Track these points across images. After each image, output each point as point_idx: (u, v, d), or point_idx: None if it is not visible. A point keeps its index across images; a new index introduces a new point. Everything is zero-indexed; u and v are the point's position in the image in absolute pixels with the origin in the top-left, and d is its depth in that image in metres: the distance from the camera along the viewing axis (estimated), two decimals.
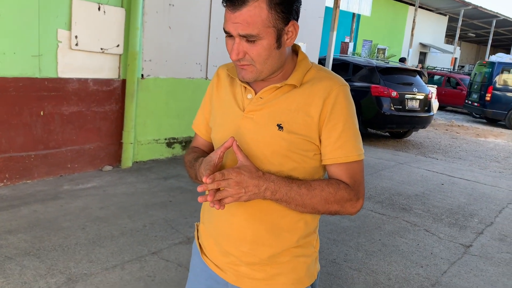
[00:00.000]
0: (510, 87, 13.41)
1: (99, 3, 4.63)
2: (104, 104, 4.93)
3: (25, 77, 4.18)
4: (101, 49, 4.74)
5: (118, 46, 4.89)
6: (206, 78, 6.07)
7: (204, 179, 1.06)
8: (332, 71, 1.27)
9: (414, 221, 4.43)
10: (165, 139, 5.67)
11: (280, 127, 1.18)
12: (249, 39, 1.10)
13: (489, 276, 3.42)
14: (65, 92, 4.53)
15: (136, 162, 5.34)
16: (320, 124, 1.18)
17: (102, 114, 4.93)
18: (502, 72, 13.45)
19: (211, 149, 1.41)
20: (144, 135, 5.39)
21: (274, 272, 1.25)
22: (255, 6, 1.07)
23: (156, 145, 5.56)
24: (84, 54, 4.63)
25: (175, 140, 5.81)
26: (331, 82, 1.20)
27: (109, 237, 3.36)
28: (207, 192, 1.12)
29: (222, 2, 1.11)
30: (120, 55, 4.97)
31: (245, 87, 1.25)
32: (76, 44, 4.51)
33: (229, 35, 1.14)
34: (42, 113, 4.37)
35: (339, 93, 1.19)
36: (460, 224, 4.49)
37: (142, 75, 5.22)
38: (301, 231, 1.26)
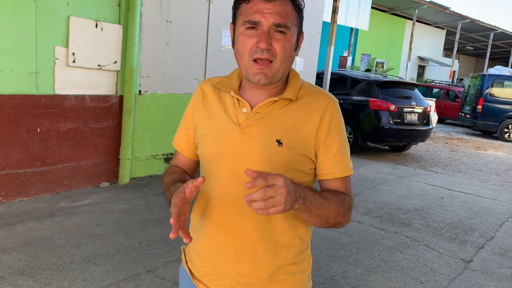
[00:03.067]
0: (501, 99, 13.44)
1: (96, 20, 4.65)
2: (102, 120, 4.93)
3: (22, 94, 4.19)
4: (99, 65, 4.76)
5: (115, 62, 4.90)
6: None
7: (171, 221, 1.01)
8: (321, 88, 1.29)
9: (413, 236, 4.39)
10: (163, 154, 5.66)
11: (279, 142, 1.17)
12: (281, 29, 1.12)
13: None
14: (62, 109, 4.53)
15: (134, 178, 5.32)
16: (318, 140, 1.19)
17: (100, 131, 4.92)
18: (492, 85, 13.49)
19: (191, 166, 1.39)
20: (142, 151, 5.37)
21: None
22: (287, 3, 1.14)
23: (153, 160, 5.54)
24: (81, 71, 4.65)
25: (173, 156, 5.79)
26: (326, 99, 1.23)
27: (104, 255, 3.32)
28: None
29: None
30: (117, 71, 4.99)
31: (239, 100, 1.23)
32: (73, 61, 4.52)
33: (251, 28, 1.14)
34: (39, 130, 4.36)
35: (334, 109, 1.22)
36: (460, 238, 4.44)
37: (140, 91, 5.23)
38: (296, 247, 1.25)
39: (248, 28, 1.14)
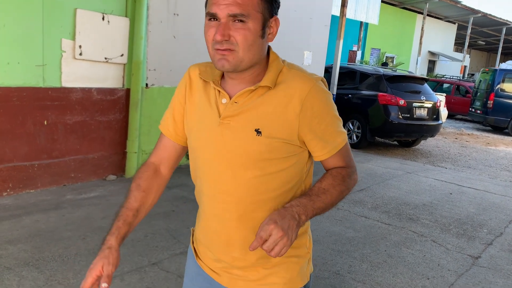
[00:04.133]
0: None
1: (103, 13, 4.65)
2: (108, 113, 4.93)
3: (29, 86, 4.20)
4: (105, 58, 4.75)
5: (122, 55, 4.90)
6: None
7: None
8: (302, 68, 1.25)
9: (421, 231, 4.35)
10: None
11: (258, 132, 1.16)
12: (238, 18, 1.10)
13: None
14: (68, 102, 4.54)
15: None
16: (301, 124, 1.17)
17: (106, 124, 4.93)
18: (504, 80, 13.28)
19: (173, 153, 1.38)
20: (149, 144, 5.37)
21: (266, 272, 1.26)
22: None
23: None
24: (88, 64, 4.64)
25: (157, 142, 5.78)
26: (305, 80, 1.19)
27: None
28: None
29: None
30: (124, 64, 4.98)
31: (219, 91, 1.22)
32: (80, 54, 4.52)
33: (212, 19, 1.13)
34: (45, 123, 4.38)
35: (315, 90, 1.18)
36: (469, 234, 4.39)
37: (147, 84, 5.22)
38: None
39: (209, 19, 1.14)
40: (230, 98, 1.20)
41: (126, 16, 4.89)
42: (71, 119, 4.59)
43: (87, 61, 4.63)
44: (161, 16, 5.27)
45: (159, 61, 5.34)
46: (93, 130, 4.81)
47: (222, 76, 1.26)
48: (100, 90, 4.80)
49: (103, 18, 4.66)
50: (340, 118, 1.26)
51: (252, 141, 1.16)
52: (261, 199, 1.20)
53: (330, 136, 1.21)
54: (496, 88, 13.22)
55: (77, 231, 3.56)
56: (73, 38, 4.45)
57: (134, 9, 4.87)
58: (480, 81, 14.14)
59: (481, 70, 15.23)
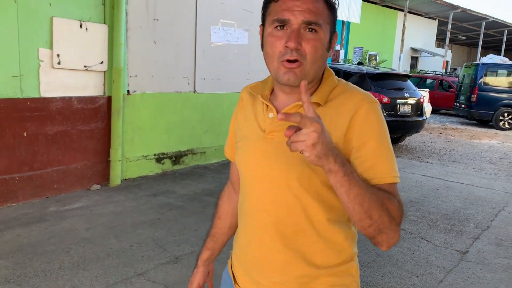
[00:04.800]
0: (495, 88, 13.41)
1: (80, 20, 4.57)
2: (90, 122, 4.85)
3: (6, 98, 4.11)
4: (85, 66, 4.68)
5: (102, 63, 4.82)
6: (195, 91, 6.01)
7: None
8: (359, 88, 1.16)
9: (409, 228, 4.35)
10: (154, 154, 5.59)
11: None
12: (311, 27, 1.05)
13: (486, 283, 3.33)
14: (48, 112, 4.45)
15: (125, 179, 5.25)
16: (347, 145, 1.07)
17: (88, 132, 4.85)
18: (486, 73, 13.46)
19: None
20: (132, 151, 5.30)
21: None
22: (318, 0, 1.07)
23: (145, 161, 5.47)
24: (67, 72, 4.57)
25: (165, 155, 5.73)
26: (358, 99, 1.10)
27: (94, 260, 3.26)
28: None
29: None
30: (104, 71, 4.91)
31: (267, 106, 1.17)
32: (59, 63, 4.44)
33: (279, 27, 1.07)
34: (25, 134, 4.29)
35: (368, 110, 1.08)
36: (456, 229, 4.40)
37: (128, 91, 5.16)
38: (333, 259, 1.16)
39: (276, 27, 1.07)
40: (278, 112, 1.13)
41: (104, 23, 4.82)
42: (51, 129, 4.51)
43: (66, 70, 4.55)
44: (141, 21, 5.21)
45: (140, 67, 5.28)
46: (75, 139, 4.73)
47: (272, 91, 1.22)
48: (80, 99, 4.72)
49: (80, 26, 4.59)
50: (394, 154, 1.11)
51: (295, 158, 1.08)
52: (302, 222, 1.12)
53: (377, 163, 1.06)
54: (479, 82, 13.38)
55: (60, 244, 3.48)
56: (51, 47, 4.37)
57: (113, 15, 4.81)
58: (464, 75, 14.29)
59: (464, 64, 15.40)
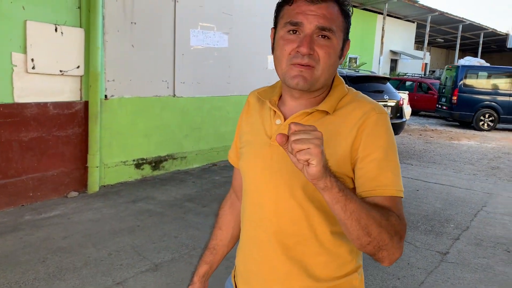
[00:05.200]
0: (475, 89, 13.66)
1: (55, 24, 4.47)
2: (66, 127, 4.74)
3: None
4: (60, 71, 4.58)
5: (78, 67, 4.73)
6: (174, 95, 5.94)
7: None
8: (369, 98, 1.13)
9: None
10: (133, 160, 5.50)
11: None
12: (325, 33, 1.03)
13: (466, 283, 3.35)
14: (23, 118, 4.34)
15: (104, 186, 5.15)
16: (354, 154, 1.05)
17: (65, 138, 4.74)
18: (466, 76, 13.70)
19: None
20: (111, 157, 5.21)
21: None
22: (333, 6, 1.05)
23: (124, 167, 5.38)
24: (42, 77, 4.46)
25: (144, 161, 5.65)
26: (367, 109, 1.07)
27: (71, 269, 3.18)
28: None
29: None
30: (81, 76, 4.81)
31: (275, 112, 1.15)
32: (33, 67, 4.33)
33: (292, 31, 1.05)
34: None
35: (376, 120, 1.06)
36: (436, 230, 4.44)
37: (106, 95, 5.07)
38: (335, 272, 1.13)
39: (289, 31, 1.05)
40: (285, 119, 1.13)
41: (80, 27, 4.73)
42: (26, 135, 4.39)
43: (41, 75, 4.45)
44: (118, 25, 5.13)
45: (118, 71, 5.19)
46: (51, 146, 4.62)
47: (280, 96, 1.19)
48: (56, 104, 4.62)
49: (56, 30, 4.49)
50: (399, 168, 1.07)
51: None
52: (305, 233, 1.09)
53: (381, 175, 1.03)
54: (460, 84, 13.60)
55: (36, 254, 3.38)
56: (25, 52, 4.26)
57: (89, 19, 4.72)
58: (447, 78, 14.49)
59: (445, 67, 15.63)
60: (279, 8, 1.11)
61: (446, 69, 14.95)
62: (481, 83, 13.77)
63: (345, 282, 1.13)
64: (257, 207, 1.15)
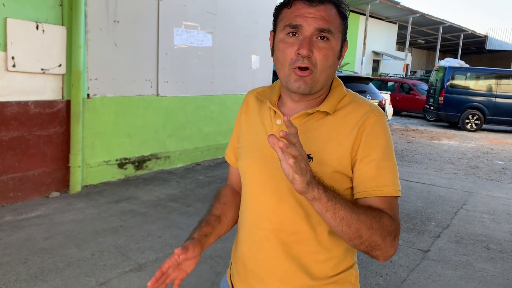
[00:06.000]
0: (462, 90, 13.87)
1: (36, 22, 4.41)
2: (48, 127, 4.68)
3: None
4: (42, 69, 4.51)
5: (60, 66, 4.67)
6: (158, 94, 5.91)
7: (148, 284, 1.07)
8: (367, 99, 1.17)
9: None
10: (116, 160, 5.45)
11: (309, 157, 1.07)
12: (324, 34, 1.05)
13: (447, 280, 3.41)
14: (3, 117, 4.26)
15: (86, 186, 5.09)
16: (353, 155, 1.08)
17: (46, 138, 4.67)
18: (453, 77, 13.91)
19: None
20: (93, 157, 5.15)
21: None
22: (331, 8, 1.08)
23: (106, 167, 5.33)
24: (23, 76, 4.39)
25: (127, 160, 5.60)
26: (366, 110, 1.11)
27: (53, 270, 3.13)
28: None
29: None
30: (63, 75, 4.75)
31: (275, 112, 1.16)
32: (14, 66, 4.26)
33: (291, 33, 1.07)
34: None
35: (375, 122, 1.09)
36: (418, 229, 4.51)
37: (88, 94, 5.01)
38: (332, 270, 1.15)
39: (288, 33, 1.07)
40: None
41: (62, 25, 4.66)
42: (6, 135, 4.32)
43: (22, 73, 4.38)
44: (101, 23, 5.08)
45: (101, 70, 5.14)
46: (32, 145, 4.55)
47: (279, 97, 1.21)
48: (37, 103, 4.55)
49: (37, 27, 4.42)
50: (397, 168, 1.12)
51: None
52: (304, 231, 1.11)
53: (380, 175, 1.07)
54: (446, 84, 13.79)
55: (17, 255, 3.33)
56: (5, 49, 4.19)
57: (71, 17, 4.66)
58: (437, 79, 14.65)
59: (434, 68, 15.82)
60: (278, 11, 1.13)
61: (435, 70, 15.16)
62: (467, 84, 13.98)
63: (341, 278, 1.16)
64: (257, 205, 1.17)
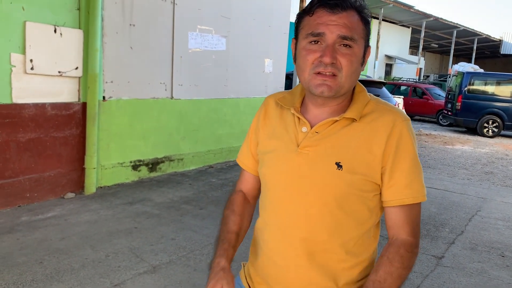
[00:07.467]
0: (480, 96, 13.72)
1: (55, 25, 4.48)
2: (64, 129, 4.74)
3: None
4: (59, 72, 4.58)
5: (77, 68, 4.73)
6: (172, 97, 5.96)
7: None
8: (391, 104, 1.18)
9: (385, 234, 4.36)
10: (130, 162, 5.50)
11: (339, 165, 1.08)
12: (346, 42, 1.05)
13: (462, 287, 3.38)
14: (21, 118, 4.33)
15: (101, 187, 5.15)
16: (384, 162, 1.09)
17: (62, 140, 4.74)
18: (471, 82, 13.78)
19: (256, 184, 1.34)
20: (108, 159, 5.20)
21: None
22: (353, 14, 1.08)
23: (121, 168, 5.38)
24: (40, 78, 4.46)
25: (141, 163, 5.65)
26: (393, 116, 1.12)
27: (68, 271, 3.17)
28: None
29: (313, 5, 1.08)
30: (79, 77, 4.81)
31: (299, 118, 1.16)
32: (32, 68, 4.33)
33: (314, 41, 1.07)
34: None
35: (402, 128, 1.11)
36: (432, 235, 4.47)
37: (104, 97, 5.07)
38: (357, 276, 1.17)
39: (311, 42, 1.07)
40: (311, 126, 1.14)
41: (79, 28, 4.73)
42: (24, 136, 4.38)
43: (40, 76, 4.45)
44: (117, 27, 5.14)
45: (116, 73, 5.20)
46: (48, 147, 4.62)
47: (302, 103, 1.21)
48: (54, 105, 4.62)
49: (55, 31, 4.49)
50: (422, 169, 1.17)
51: (331, 174, 1.08)
52: (333, 240, 1.12)
53: (409, 184, 1.11)
54: (464, 90, 13.67)
55: (33, 255, 3.38)
56: (23, 52, 4.26)
57: (88, 20, 4.73)
58: (456, 85, 14.53)
59: (452, 73, 15.72)
60: (299, 19, 1.13)
61: (454, 76, 15.06)
62: (485, 89, 13.83)
63: (364, 282, 1.17)
64: (285, 214, 1.15)
